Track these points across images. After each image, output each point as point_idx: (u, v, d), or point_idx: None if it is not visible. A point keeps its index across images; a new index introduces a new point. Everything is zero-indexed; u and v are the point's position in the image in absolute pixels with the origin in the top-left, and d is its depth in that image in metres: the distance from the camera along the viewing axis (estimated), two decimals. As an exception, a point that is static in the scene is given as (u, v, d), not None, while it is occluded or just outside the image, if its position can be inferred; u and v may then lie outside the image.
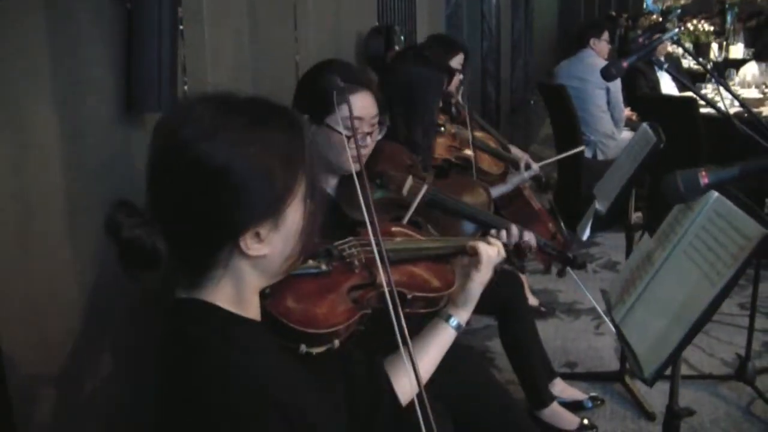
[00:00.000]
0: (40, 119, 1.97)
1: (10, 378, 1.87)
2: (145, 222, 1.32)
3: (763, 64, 7.89)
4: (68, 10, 2.04)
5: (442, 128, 3.61)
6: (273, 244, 1.38)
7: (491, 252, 2.05)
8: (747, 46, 9.60)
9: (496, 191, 3.66)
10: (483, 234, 2.59)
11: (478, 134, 3.91)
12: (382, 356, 1.86)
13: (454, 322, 1.97)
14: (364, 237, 1.88)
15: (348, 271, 1.86)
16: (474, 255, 2.04)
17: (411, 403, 1.80)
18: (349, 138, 2.25)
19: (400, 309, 1.66)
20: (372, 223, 1.72)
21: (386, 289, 1.69)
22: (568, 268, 2.94)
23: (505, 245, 2.22)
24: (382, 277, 1.74)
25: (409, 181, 2.62)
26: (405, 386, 1.81)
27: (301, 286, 1.73)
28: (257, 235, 1.35)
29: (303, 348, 1.62)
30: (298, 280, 1.71)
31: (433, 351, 1.92)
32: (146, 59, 2.19)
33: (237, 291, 1.40)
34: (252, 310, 1.45)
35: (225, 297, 1.40)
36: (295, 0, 3.57)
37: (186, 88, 2.54)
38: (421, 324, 1.99)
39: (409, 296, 1.92)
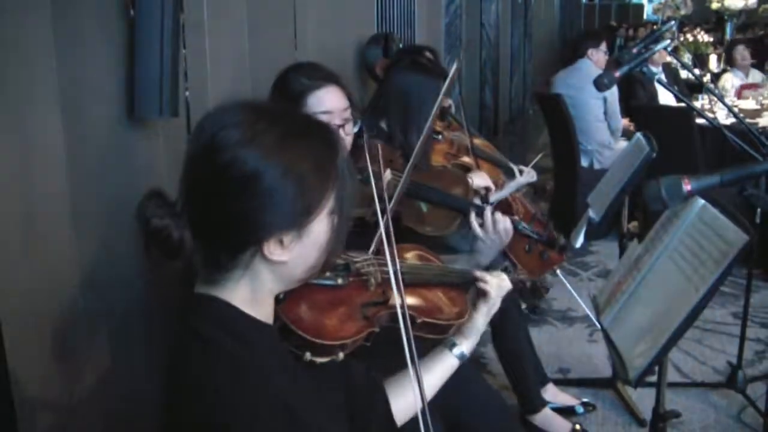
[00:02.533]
0: (44, 123, 2.00)
1: (14, 376, 1.90)
2: (175, 214, 1.36)
3: (740, 73, 7.96)
4: (73, 17, 2.08)
5: (440, 136, 3.64)
6: (295, 253, 1.40)
7: (503, 284, 2.06)
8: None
9: (495, 197, 3.68)
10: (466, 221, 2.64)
11: (476, 141, 3.94)
12: (380, 375, 1.88)
13: (458, 351, 1.96)
14: (383, 256, 1.88)
15: (362, 288, 1.89)
16: (484, 286, 2.04)
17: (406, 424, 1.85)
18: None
19: (411, 332, 1.69)
20: (389, 243, 1.74)
21: (399, 311, 1.71)
22: (560, 274, 2.98)
23: (520, 284, 2.24)
24: (395, 299, 1.76)
25: (387, 173, 2.66)
26: (401, 407, 1.83)
27: (315, 296, 1.76)
28: (281, 242, 1.38)
29: (308, 356, 1.64)
30: (313, 289, 1.75)
31: (434, 378, 1.91)
32: (149, 65, 2.23)
33: (253, 293, 1.43)
34: (265, 313, 1.48)
35: (241, 297, 1.43)
36: (294, 8, 3.62)
37: (187, 94, 2.58)
38: (420, 348, 2.00)
39: (419, 321, 1.92)
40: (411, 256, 2.18)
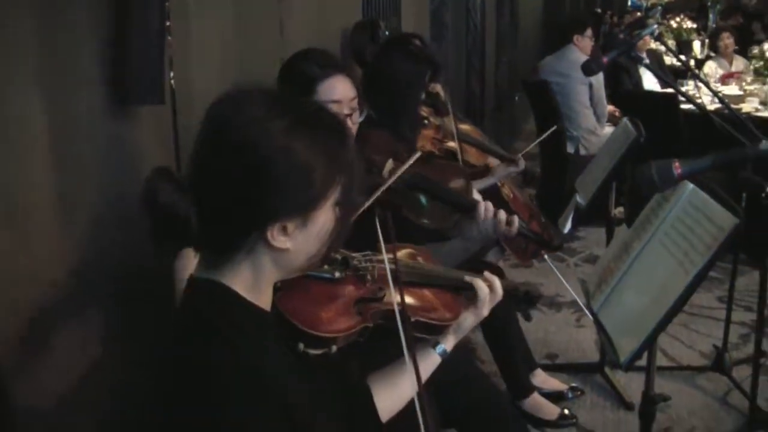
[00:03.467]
0: (30, 113, 1.98)
1: (3, 371, 1.89)
2: (184, 191, 1.36)
3: (724, 60, 7.99)
4: (57, 4, 2.07)
5: (426, 121, 3.63)
6: (297, 241, 1.40)
7: (495, 293, 2.03)
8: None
9: (482, 183, 3.69)
10: (464, 217, 2.65)
11: (463, 127, 3.94)
12: (365, 372, 1.88)
13: (440, 348, 1.95)
14: (382, 253, 1.91)
15: (359, 283, 1.89)
16: (477, 292, 2.01)
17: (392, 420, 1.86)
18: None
19: (410, 329, 1.69)
20: (388, 242, 1.74)
21: (396, 308, 1.72)
22: (548, 260, 2.98)
23: (514, 291, 2.24)
24: (392, 296, 1.77)
25: (389, 163, 2.66)
26: (387, 404, 1.84)
27: (311, 288, 1.77)
28: (284, 228, 1.38)
29: (301, 346, 1.65)
30: (310, 281, 1.76)
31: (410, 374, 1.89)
32: (135, 52, 2.21)
33: (254, 279, 1.43)
34: (264, 300, 1.48)
35: (242, 282, 1.43)
36: (280, -6, 3.60)
37: (173, 82, 2.57)
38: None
39: (413, 319, 1.91)
40: (408, 255, 2.18)
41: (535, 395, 3.54)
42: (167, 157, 2.57)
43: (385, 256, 1.74)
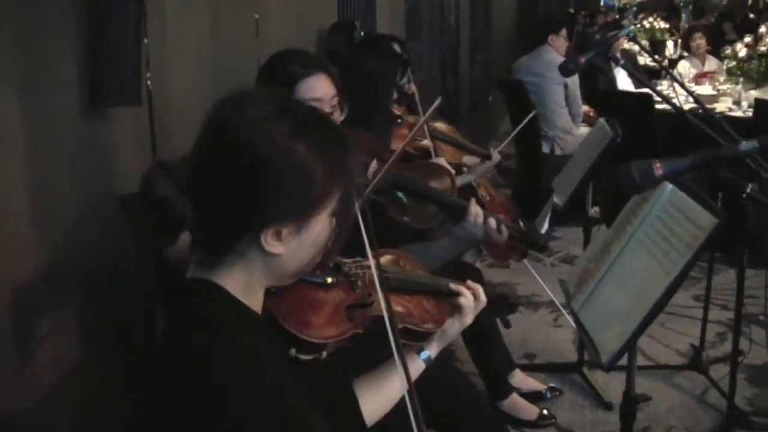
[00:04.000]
0: (5, 113, 1.96)
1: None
2: (181, 186, 1.35)
3: (696, 60, 8.05)
4: (34, 5, 2.04)
5: (400, 120, 3.62)
6: (290, 247, 1.39)
7: (479, 300, 2.02)
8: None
9: (460, 181, 3.69)
10: (449, 217, 2.64)
11: (439, 125, 3.93)
12: (351, 377, 1.88)
13: (425, 355, 1.95)
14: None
15: (350, 289, 1.88)
16: (461, 300, 2.00)
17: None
18: None
19: (398, 336, 1.68)
20: (372, 246, 1.73)
21: (386, 315, 1.71)
22: (525, 260, 2.98)
23: (494, 298, 2.23)
24: (380, 303, 1.75)
25: (374, 164, 2.65)
26: (371, 408, 1.84)
27: (303, 293, 1.76)
28: (278, 233, 1.37)
29: (293, 351, 1.64)
30: (303, 286, 1.74)
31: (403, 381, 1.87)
32: (112, 53, 2.20)
33: (246, 282, 1.43)
34: (255, 303, 1.47)
35: (234, 284, 1.42)
36: (256, -5, 3.59)
37: (149, 82, 2.55)
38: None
39: (400, 326, 1.90)
40: (395, 261, 2.17)
41: (514, 396, 3.55)
42: (144, 158, 2.56)
43: (372, 263, 1.73)
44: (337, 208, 1.42)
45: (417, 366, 1.94)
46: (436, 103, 2.74)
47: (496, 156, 3.80)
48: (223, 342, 1.33)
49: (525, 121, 4.55)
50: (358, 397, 1.83)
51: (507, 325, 2.36)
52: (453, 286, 2.03)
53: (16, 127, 2.00)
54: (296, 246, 1.40)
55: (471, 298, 1.99)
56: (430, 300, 2.06)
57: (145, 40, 2.45)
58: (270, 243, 1.37)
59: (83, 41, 2.22)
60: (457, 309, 2.00)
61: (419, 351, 1.96)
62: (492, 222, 2.60)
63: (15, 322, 2.03)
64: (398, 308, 1.96)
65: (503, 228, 2.62)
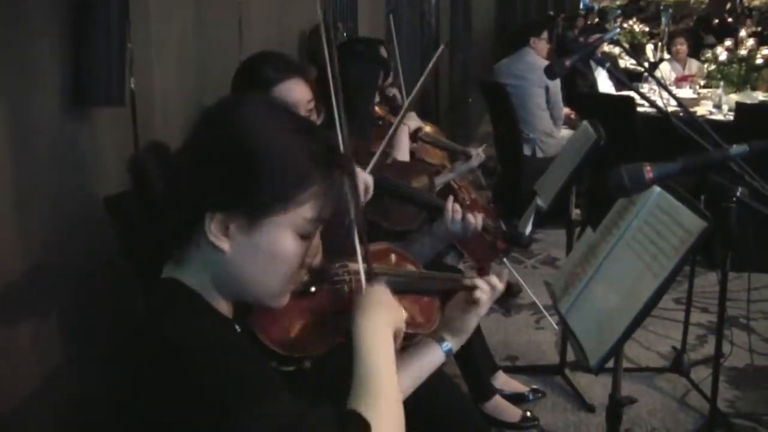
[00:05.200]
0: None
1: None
2: (167, 166, 1.36)
3: (677, 63, 8.10)
4: (17, 4, 2.02)
5: (380, 121, 3.61)
6: (235, 246, 1.35)
7: (496, 289, 1.96)
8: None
9: (442, 179, 3.69)
10: (429, 218, 2.64)
11: (425, 127, 3.93)
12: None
13: (447, 347, 1.90)
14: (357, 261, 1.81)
15: (335, 296, 1.81)
16: (478, 294, 1.94)
17: None
18: None
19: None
20: (364, 253, 1.70)
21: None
22: (506, 262, 2.98)
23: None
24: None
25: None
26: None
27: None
28: (226, 227, 1.33)
29: (274, 364, 1.60)
30: None
31: (417, 370, 1.86)
32: (96, 53, 2.18)
33: (207, 282, 1.40)
34: (222, 307, 1.43)
35: (198, 284, 1.39)
36: (239, -3, 3.58)
37: (133, 83, 2.53)
38: None
39: None
40: (387, 258, 2.12)
41: (497, 398, 3.54)
42: (127, 158, 2.53)
43: (361, 267, 1.68)
44: (302, 226, 1.37)
45: (437, 357, 1.90)
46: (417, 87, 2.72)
47: (479, 156, 3.79)
48: (193, 333, 1.31)
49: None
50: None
51: (506, 310, 2.35)
52: (467, 281, 1.97)
53: (-1, 126, 1.98)
54: (242, 246, 1.35)
55: (488, 289, 1.95)
56: (425, 298, 2.01)
57: (129, 44, 2.43)
58: (213, 231, 1.33)
59: (66, 41, 2.20)
60: (472, 302, 1.95)
61: (440, 341, 1.91)
62: (470, 218, 2.59)
63: (1, 319, 2.01)
64: None
65: (482, 222, 2.60)
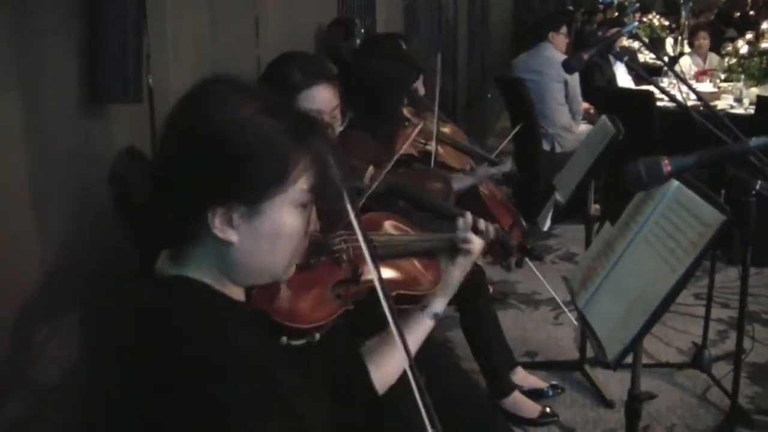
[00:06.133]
0: (4, 112, 1.94)
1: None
2: (145, 170, 1.36)
3: (698, 57, 8.04)
4: (32, 1, 2.03)
5: (406, 122, 3.60)
6: (242, 235, 1.36)
7: (481, 243, 2.04)
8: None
9: (463, 183, 3.67)
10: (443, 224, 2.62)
11: (445, 129, 3.92)
12: (360, 342, 1.86)
13: (430, 312, 1.95)
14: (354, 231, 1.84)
15: (334, 266, 1.84)
16: (469, 246, 2.02)
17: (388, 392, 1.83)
18: None
19: (394, 308, 1.64)
20: (357, 218, 1.68)
21: (378, 287, 1.66)
22: (527, 259, 2.96)
23: (491, 241, 2.22)
24: (371, 275, 1.70)
25: (370, 170, 2.63)
26: (381, 375, 1.81)
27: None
28: (230, 219, 1.34)
29: (284, 340, 1.60)
30: None
31: (411, 342, 1.83)
32: (112, 49, 2.18)
33: (214, 274, 1.40)
34: (236, 293, 1.45)
35: (205, 276, 1.40)
36: (255, -7, 3.58)
37: (150, 80, 2.53)
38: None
39: (394, 294, 1.88)
40: (383, 225, 2.13)
41: (516, 394, 3.53)
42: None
43: (360, 234, 1.66)
44: (304, 203, 1.39)
45: (425, 325, 1.94)
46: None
47: (506, 165, 3.78)
48: (186, 336, 1.31)
49: (514, 131, 4.53)
50: (368, 365, 1.81)
51: (509, 267, 2.35)
52: (461, 234, 2.03)
53: (16, 125, 1.98)
54: (248, 233, 1.36)
55: (477, 242, 2.02)
56: (425, 259, 2.04)
57: (146, 38, 2.43)
58: (218, 226, 1.34)
59: (83, 38, 2.20)
60: (461, 254, 2.01)
61: (423, 308, 1.94)
62: (482, 226, 2.56)
63: (17, 322, 2.01)
64: (389, 275, 1.94)
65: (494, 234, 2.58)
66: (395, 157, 2.61)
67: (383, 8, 6.07)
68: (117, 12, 2.18)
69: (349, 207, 1.63)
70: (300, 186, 1.38)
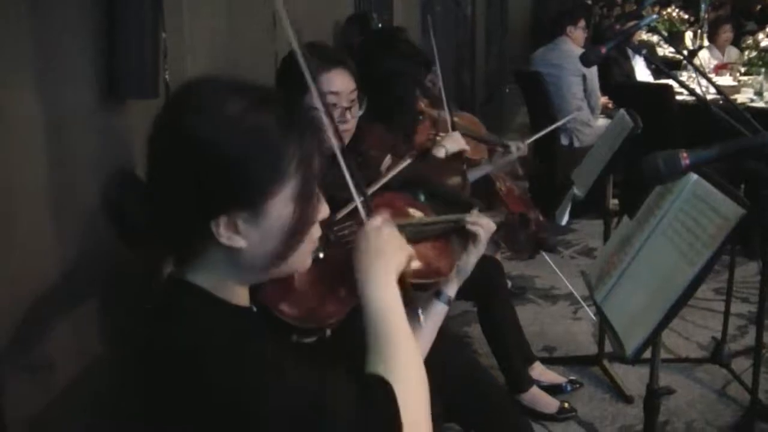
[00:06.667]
0: (23, 109, 1.95)
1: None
2: (140, 194, 1.35)
3: (717, 51, 7.98)
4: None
5: (421, 115, 3.60)
6: (250, 238, 1.32)
7: (491, 224, 2.03)
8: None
9: (480, 171, 3.66)
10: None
11: (459, 119, 3.90)
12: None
13: (444, 297, 1.94)
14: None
15: (343, 257, 1.76)
16: (475, 228, 2.01)
17: None
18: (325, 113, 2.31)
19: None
20: (363, 200, 1.65)
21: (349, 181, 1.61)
22: (543, 253, 2.95)
23: (502, 222, 2.21)
24: None
25: (388, 159, 2.63)
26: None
27: (295, 277, 1.67)
28: (234, 225, 1.31)
29: (294, 338, 1.59)
30: None
31: (426, 329, 1.87)
32: (130, 45, 2.18)
33: (219, 278, 1.38)
34: (239, 298, 1.42)
35: (210, 282, 1.37)
36: (272, -12, 3.58)
37: (167, 76, 2.53)
38: None
39: (409, 284, 1.80)
40: (390, 208, 2.10)
41: (534, 389, 3.53)
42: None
43: (364, 217, 1.63)
44: (299, 192, 1.34)
45: (439, 311, 1.94)
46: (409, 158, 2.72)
47: (519, 149, 3.73)
48: (188, 341, 1.30)
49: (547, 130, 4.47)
50: None
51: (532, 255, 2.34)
52: (469, 217, 2.03)
53: (35, 122, 1.99)
54: (256, 235, 1.33)
55: (484, 223, 2.01)
56: (435, 242, 2.00)
57: (163, 34, 2.44)
58: (224, 235, 1.31)
59: (100, 34, 2.20)
60: (471, 239, 2.00)
61: (437, 294, 1.94)
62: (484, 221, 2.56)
63: (37, 318, 2.02)
64: None
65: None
66: (411, 155, 2.60)
67: (400, 3, 6.06)
68: (134, 8, 2.19)
69: (343, 165, 1.60)
70: (300, 176, 1.34)
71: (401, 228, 1.95)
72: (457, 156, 3.38)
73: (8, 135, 1.90)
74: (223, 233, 1.30)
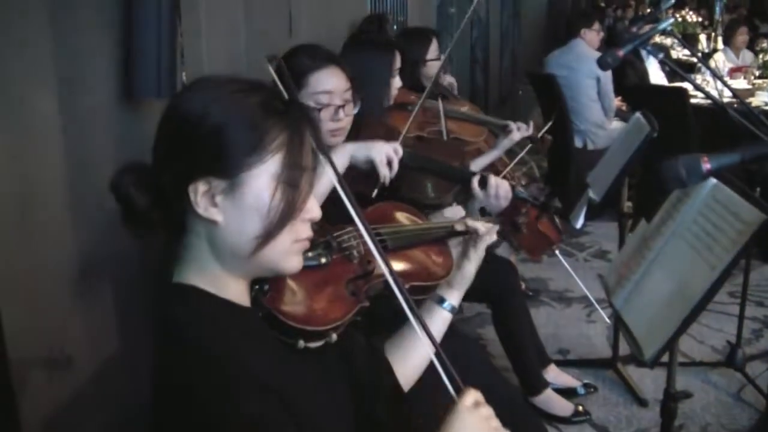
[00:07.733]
0: (40, 108, 1.96)
1: (14, 363, 1.87)
2: (145, 183, 1.38)
3: (731, 53, 7.95)
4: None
5: (409, 107, 3.55)
6: (227, 213, 1.35)
7: (488, 229, 2.02)
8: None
9: (486, 159, 3.65)
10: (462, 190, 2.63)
11: (455, 107, 3.89)
12: (381, 341, 1.86)
13: (448, 305, 1.93)
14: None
15: (346, 263, 1.81)
16: (473, 234, 2.01)
17: (411, 389, 1.82)
18: (319, 111, 2.42)
19: (410, 299, 1.62)
20: (358, 214, 1.66)
21: (390, 279, 1.63)
22: (558, 255, 2.94)
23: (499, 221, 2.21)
24: (381, 269, 1.68)
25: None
26: (405, 371, 1.81)
27: (299, 280, 1.66)
28: (211, 196, 1.34)
29: (301, 343, 1.59)
30: (296, 274, 1.70)
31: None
32: (147, 45, 2.19)
33: (207, 266, 1.40)
34: (234, 293, 1.43)
35: (203, 278, 1.40)
36: (289, -10, 3.58)
37: (184, 75, 2.54)
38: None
39: (407, 285, 1.79)
40: (391, 216, 2.13)
41: (549, 391, 3.52)
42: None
43: (363, 229, 1.63)
44: (283, 172, 1.36)
45: (442, 318, 1.93)
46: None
47: (521, 129, 3.69)
48: (179, 344, 1.33)
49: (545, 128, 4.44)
50: (392, 363, 1.80)
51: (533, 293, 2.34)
52: (459, 226, 2.03)
53: (52, 121, 2.00)
54: (233, 210, 1.36)
55: (482, 229, 2.00)
56: (433, 246, 2.03)
57: (180, 34, 2.44)
58: (202, 204, 1.34)
59: (117, 33, 2.21)
60: (471, 245, 1.99)
61: (440, 301, 1.94)
62: (492, 181, 2.58)
63: (53, 316, 2.03)
64: (400, 267, 1.93)
65: (509, 188, 2.57)
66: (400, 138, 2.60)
67: (416, 6, 6.06)
68: (151, 8, 2.20)
69: (346, 200, 1.60)
70: (280, 158, 1.36)
71: (396, 234, 1.97)
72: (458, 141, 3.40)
73: (28, 133, 1.91)
74: (200, 202, 1.34)
